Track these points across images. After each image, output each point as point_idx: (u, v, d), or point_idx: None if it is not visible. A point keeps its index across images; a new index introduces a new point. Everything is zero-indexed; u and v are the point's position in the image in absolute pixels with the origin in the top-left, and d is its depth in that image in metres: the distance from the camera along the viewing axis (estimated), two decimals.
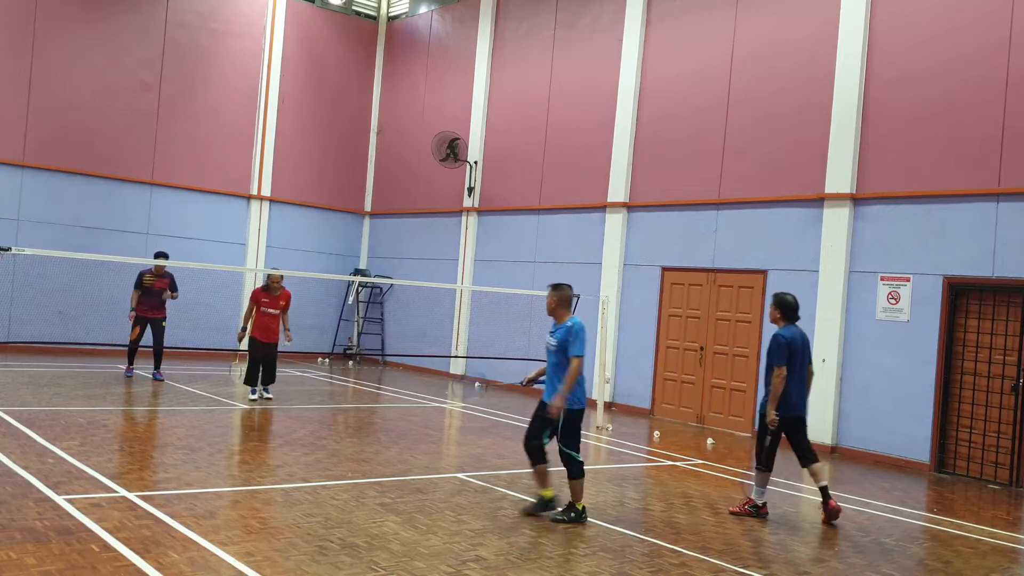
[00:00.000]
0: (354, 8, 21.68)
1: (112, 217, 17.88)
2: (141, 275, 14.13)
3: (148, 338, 14.17)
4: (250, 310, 12.85)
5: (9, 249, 9.88)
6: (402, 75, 21.29)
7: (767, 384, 8.12)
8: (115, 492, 7.09)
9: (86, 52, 17.61)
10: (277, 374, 13.36)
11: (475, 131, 18.86)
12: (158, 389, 13.34)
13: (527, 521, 7.25)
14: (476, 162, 18.73)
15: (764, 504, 8.18)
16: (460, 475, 8.97)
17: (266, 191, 19.91)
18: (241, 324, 13.12)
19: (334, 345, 20.73)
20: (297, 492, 7.61)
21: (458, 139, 18.63)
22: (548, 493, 7.50)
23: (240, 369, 13.21)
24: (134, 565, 5.38)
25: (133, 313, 14.07)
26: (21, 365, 14.44)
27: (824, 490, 8.06)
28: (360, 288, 21.02)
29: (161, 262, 13.45)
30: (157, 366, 14.32)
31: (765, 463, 8.15)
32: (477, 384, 17.85)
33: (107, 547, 5.67)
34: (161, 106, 18.50)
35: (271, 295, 12.80)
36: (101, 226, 17.68)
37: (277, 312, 12.81)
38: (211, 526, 6.38)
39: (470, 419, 13.39)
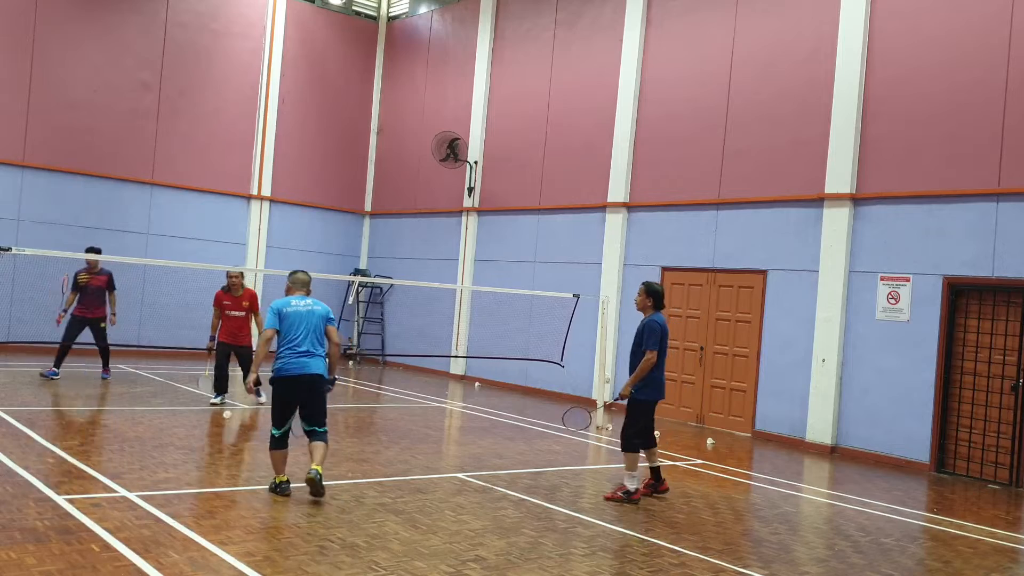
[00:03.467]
0: (354, 8, 21.68)
1: (112, 217, 17.88)
2: (76, 274, 13.26)
3: (88, 338, 13.46)
4: (216, 316, 12.11)
5: (9, 249, 9.88)
6: (402, 75, 21.29)
7: (632, 367, 8.45)
8: (115, 492, 7.10)
9: (86, 52, 17.61)
10: (225, 374, 12.38)
11: (475, 131, 18.86)
12: (158, 390, 13.32)
13: (527, 521, 7.26)
14: (476, 162, 18.73)
15: (636, 490, 8.26)
16: (460, 475, 8.97)
17: (266, 191, 19.91)
18: (210, 333, 12.24)
19: None
20: (297, 492, 7.61)
21: (458, 139, 18.63)
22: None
23: (209, 375, 12.32)
24: (134, 565, 5.38)
25: (63, 313, 13.09)
26: (21, 365, 14.43)
27: (658, 470, 8.67)
28: (360, 288, 21.02)
29: (93, 256, 12.60)
30: (105, 365, 13.77)
31: (633, 446, 8.34)
32: (477, 384, 17.86)
33: (107, 547, 5.68)
34: (161, 106, 18.49)
35: (233, 296, 12.12)
36: (101, 226, 17.67)
37: (242, 314, 12.14)
38: (211, 526, 6.38)
39: (470, 419, 13.39)
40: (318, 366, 7.55)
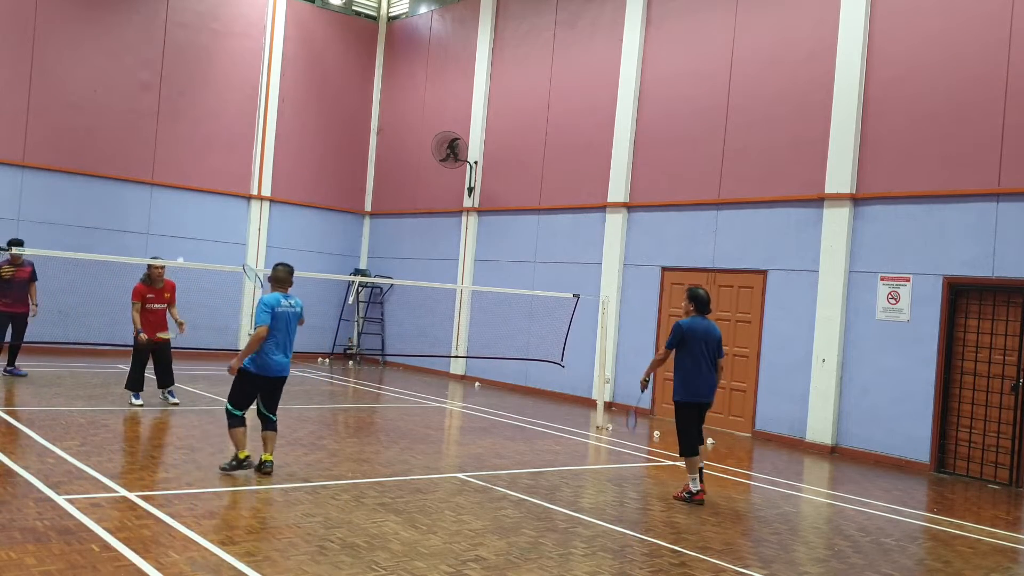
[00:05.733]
0: (354, 8, 21.68)
1: (112, 217, 17.88)
2: None
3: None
4: (137, 310, 11.48)
5: (10, 249, 9.89)
6: (402, 75, 21.29)
7: (675, 373, 8.78)
8: (115, 492, 7.10)
9: (86, 52, 17.62)
10: (175, 372, 12.20)
11: (475, 131, 18.87)
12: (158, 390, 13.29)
13: (527, 521, 7.26)
14: (476, 162, 18.73)
15: (699, 491, 8.52)
16: (460, 475, 8.97)
17: (266, 191, 19.92)
18: (136, 328, 11.55)
19: (334, 345, 20.73)
20: (297, 492, 7.61)
21: (458, 139, 18.64)
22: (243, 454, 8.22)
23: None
24: (134, 565, 5.38)
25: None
26: (21, 365, 14.40)
27: (700, 471, 8.59)
28: (360, 288, 21.03)
29: (16, 250, 11.68)
30: (12, 362, 13.26)
31: (687, 450, 8.60)
32: (477, 384, 17.86)
33: (107, 547, 5.68)
34: (161, 106, 18.50)
35: (155, 288, 11.52)
36: (101, 226, 17.68)
37: (163, 307, 11.60)
38: (211, 526, 6.39)
39: (470, 419, 13.39)
40: (289, 367, 8.40)
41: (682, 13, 15.15)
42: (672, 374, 9.47)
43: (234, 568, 5.51)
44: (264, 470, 8.13)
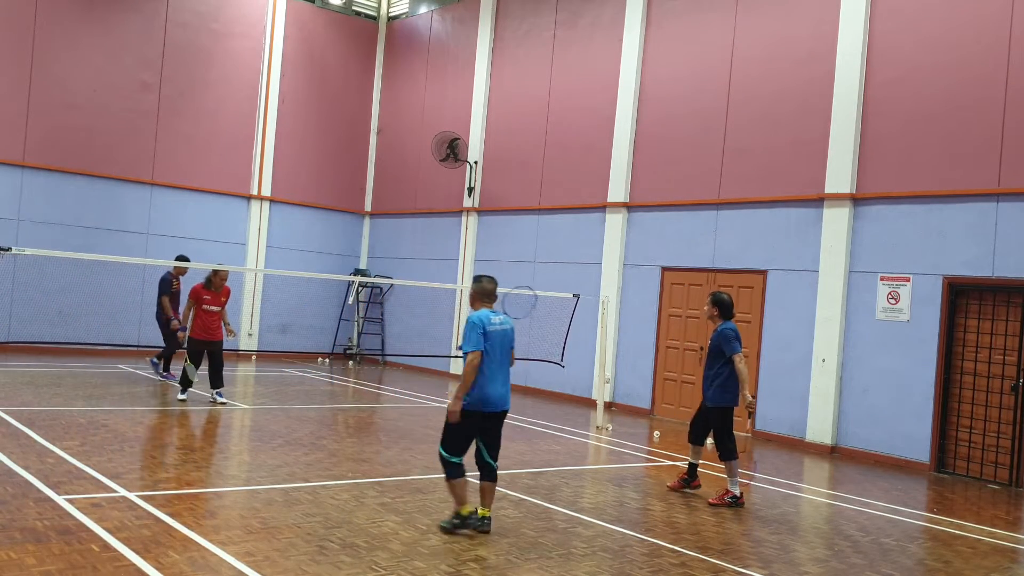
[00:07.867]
0: (354, 8, 21.68)
1: (112, 217, 17.88)
2: (170, 280, 13.81)
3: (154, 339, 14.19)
4: (189, 308, 12.26)
5: (9, 249, 9.88)
6: (402, 75, 21.29)
7: (715, 377, 8.85)
8: (115, 492, 7.10)
9: (86, 52, 17.62)
10: (225, 374, 12.67)
11: (475, 131, 18.86)
12: (158, 389, 13.32)
13: (527, 521, 7.26)
14: (476, 162, 18.73)
15: (741, 494, 8.59)
16: None
17: (266, 191, 19.92)
18: (183, 324, 12.35)
19: (334, 345, 20.73)
20: (297, 492, 7.61)
21: (458, 139, 18.64)
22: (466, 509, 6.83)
23: (189, 364, 12.27)
24: (134, 565, 5.38)
25: (177, 323, 13.58)
26: (21, 365, 14.43)
27: (695, 468, 9.01)
28: (360, 288, 21.03)
29: (183, 264, 13.10)
30: (167, 367, 14.42)
31: (729, 453, 8.70)
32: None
33: (107, 547, 5.68)
34: (161, 106, 18.50)
35: (213, 292, 12.23)
36: (101, 226, 17.68)
37: (219, 309, 12.30)
38: (211, 526, 6.39)
39: None
40: (509, 398, 6.97)
41: (682, 13, 15.15)
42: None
43: (234, 568, 5.51)
44: (482, 528, 6.71)
